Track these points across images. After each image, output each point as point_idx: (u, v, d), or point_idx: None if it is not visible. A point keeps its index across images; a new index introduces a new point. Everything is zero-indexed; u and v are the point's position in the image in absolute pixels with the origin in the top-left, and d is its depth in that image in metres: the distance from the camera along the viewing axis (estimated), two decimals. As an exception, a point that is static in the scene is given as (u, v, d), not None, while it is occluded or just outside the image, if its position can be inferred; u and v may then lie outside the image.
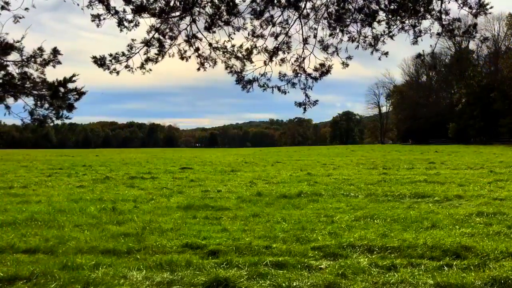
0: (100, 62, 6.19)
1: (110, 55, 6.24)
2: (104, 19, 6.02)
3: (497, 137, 63.56)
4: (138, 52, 6.29)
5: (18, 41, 6.30)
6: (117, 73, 6.30)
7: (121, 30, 6.09)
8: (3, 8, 5.97)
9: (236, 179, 15.68)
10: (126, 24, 6.08)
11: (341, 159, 28.17)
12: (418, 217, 7.79)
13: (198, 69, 6.77)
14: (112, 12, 5.94)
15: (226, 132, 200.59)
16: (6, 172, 19.80)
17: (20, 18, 6.14)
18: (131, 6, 5.91)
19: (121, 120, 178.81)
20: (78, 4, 5.77)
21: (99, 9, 5.92)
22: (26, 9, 5.98)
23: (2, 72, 6.33)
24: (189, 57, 6.70)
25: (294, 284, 4.63)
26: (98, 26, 6.01)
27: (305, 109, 7.04)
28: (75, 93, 6.66)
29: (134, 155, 41.42)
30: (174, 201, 10.17)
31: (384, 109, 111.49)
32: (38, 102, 6.60)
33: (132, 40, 6.25)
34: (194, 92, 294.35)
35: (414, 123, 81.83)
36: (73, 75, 6.64)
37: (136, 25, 6.10)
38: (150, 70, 6.52)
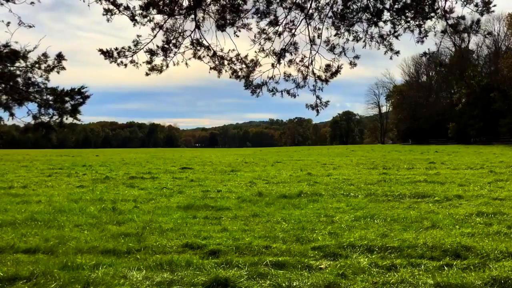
0: (107, 54, 6.23)
1: (116, 49, 6.30)
2: (114, 14, 6.07)
3: (497, 137, 63.46)
4: (143, 48, 6.33)
5: (29, 51, 6.30)
6: (125, 65, 6.35)
7: (134, 25, 6.17)
8: (8, 0, 6.00)
9: (236, 179, 15.67)
10: (138, 18, 6.12)
11: (341, 159, 28.16)
12: (418, 217, 7.79)
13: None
14: (121, 9, 6.00)
15: (226, 132, 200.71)
16: (6, 172, 19.79)
17: (30, 26, 6.20)
18: (140, 2, 5.97)
19: (121, 120, 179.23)
20: (84, 0, 5.82)
21: (106, 5, 5.99)
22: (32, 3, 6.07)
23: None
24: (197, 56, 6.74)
25: (294, 284, 4.63)
26: (108, 21, 6.07)
27: (317, 111, 6.99)
28: (79, 96, 6.65)
29: (134, 155, 41.39)
30: (174, 201, 10.17)
31: (384, 109, 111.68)
32: (42, 109, 6.60)
33: (138, 36, 6.30)
34: (194, 92, 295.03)
35: (414, 123, 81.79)
36: (82, 87, 6.65)
37: (150, 20, 6.15)
38: (155, 65, 6.57)
